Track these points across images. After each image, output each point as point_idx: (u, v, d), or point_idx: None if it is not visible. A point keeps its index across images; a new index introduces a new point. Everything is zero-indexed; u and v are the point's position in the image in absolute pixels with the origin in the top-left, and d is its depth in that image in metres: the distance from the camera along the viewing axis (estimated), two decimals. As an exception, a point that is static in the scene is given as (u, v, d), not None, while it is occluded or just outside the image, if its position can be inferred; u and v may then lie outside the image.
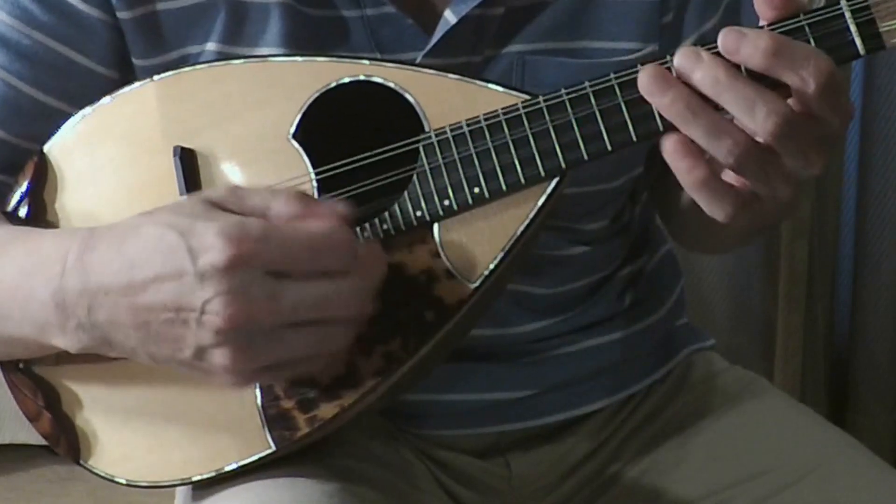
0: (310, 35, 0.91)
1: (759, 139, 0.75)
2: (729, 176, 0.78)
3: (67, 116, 0.89)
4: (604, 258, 1.05)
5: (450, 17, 0.90)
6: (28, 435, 2.03)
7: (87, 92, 0.90)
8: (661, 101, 0.76)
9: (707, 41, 0.78)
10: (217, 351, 0.75)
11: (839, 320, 1.90)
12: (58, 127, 0.89)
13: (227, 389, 0.79)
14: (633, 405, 1.06)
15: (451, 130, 0.81)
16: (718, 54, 0.76)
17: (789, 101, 0.75)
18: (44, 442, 0.88)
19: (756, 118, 0.74)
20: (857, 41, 0.77)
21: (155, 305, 0.75)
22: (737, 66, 0.75)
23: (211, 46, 0.91)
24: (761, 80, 0.75)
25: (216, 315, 0.73)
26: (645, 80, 0.76)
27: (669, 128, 0.78)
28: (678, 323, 1.11)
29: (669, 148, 0.77)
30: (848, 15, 0.76)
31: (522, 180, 0.81)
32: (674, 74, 0.76)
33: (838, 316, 1.90)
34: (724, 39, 0.75)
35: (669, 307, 1.09)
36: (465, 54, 0.92)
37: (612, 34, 0.95)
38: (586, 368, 1.03)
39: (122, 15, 0.90)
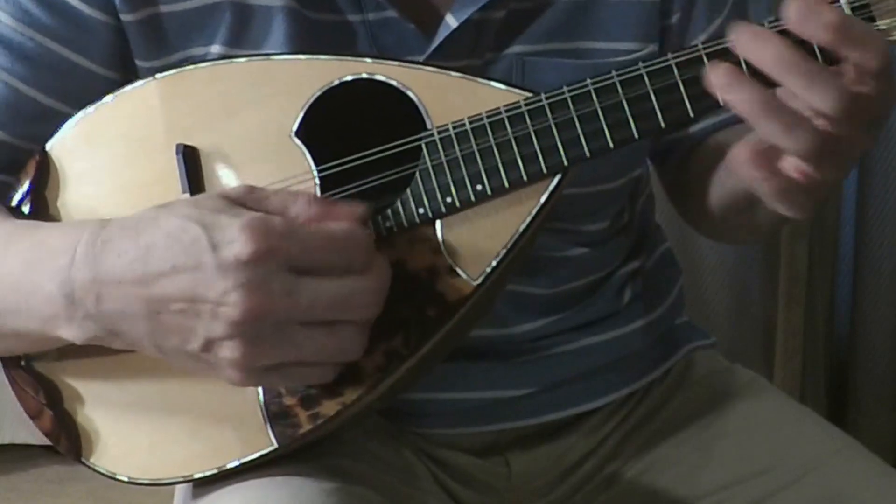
0: (313, 39, 0.91)
1: (822, 121, 0.73)
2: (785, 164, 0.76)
3: (68, 117, 0.89)
4: (603, 259, 1.05)
5: (451, 21, 0.90)
6: (28, 435, 2.04)
7: (87, 93, 0.90)
8: (739, 97, 0.73)
9: (716, 38, 0.77)
10: (227, 343, 0.75)
11: (839, 320, 1.90)
12: (59, 127, 0.89)
13: (228, 386, 0.79)
14: (633, 403, 1.06)
15: (454, 127, 0.81)
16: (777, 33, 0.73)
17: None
18: (44, 442, 0.89)
19: (820, 94, 0.72)
20: None
21: (168, 296, 0.75)
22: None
23: (215, 49, 0.91)
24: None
25: (233, 307, 0.73)
26: (720, 75, 0.73)
27: (671, 125, 0.78)
28: (678, 321, 1.11)
29: (743, 158, 0.75)
30: (847, 11, 0.76)
31: (525, 177, 0.81)
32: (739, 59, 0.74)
33: (838, 316, 1.90)
34: (791, 12, 0.72)
35: (668, 305, 1.09)
36: (465, 57, 0.92)
37: (611, 35, 0.95)
38: (585, 367, 1.03)
39: (125, 17, 0.90)
